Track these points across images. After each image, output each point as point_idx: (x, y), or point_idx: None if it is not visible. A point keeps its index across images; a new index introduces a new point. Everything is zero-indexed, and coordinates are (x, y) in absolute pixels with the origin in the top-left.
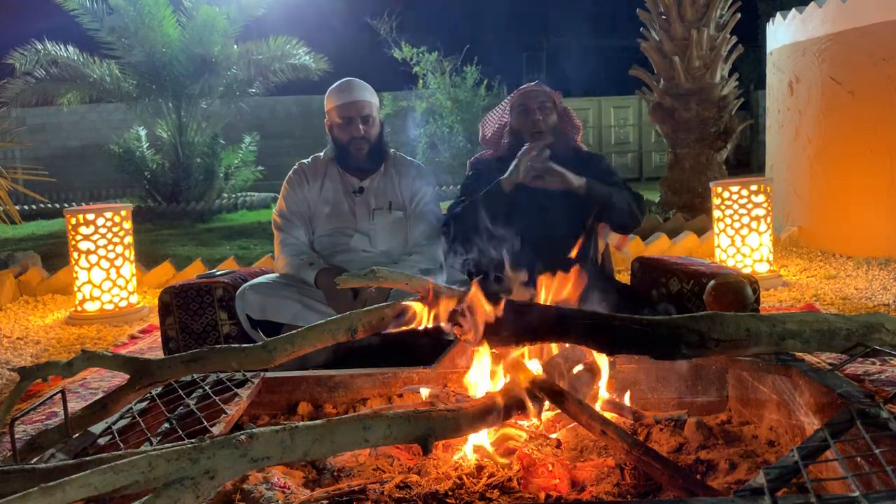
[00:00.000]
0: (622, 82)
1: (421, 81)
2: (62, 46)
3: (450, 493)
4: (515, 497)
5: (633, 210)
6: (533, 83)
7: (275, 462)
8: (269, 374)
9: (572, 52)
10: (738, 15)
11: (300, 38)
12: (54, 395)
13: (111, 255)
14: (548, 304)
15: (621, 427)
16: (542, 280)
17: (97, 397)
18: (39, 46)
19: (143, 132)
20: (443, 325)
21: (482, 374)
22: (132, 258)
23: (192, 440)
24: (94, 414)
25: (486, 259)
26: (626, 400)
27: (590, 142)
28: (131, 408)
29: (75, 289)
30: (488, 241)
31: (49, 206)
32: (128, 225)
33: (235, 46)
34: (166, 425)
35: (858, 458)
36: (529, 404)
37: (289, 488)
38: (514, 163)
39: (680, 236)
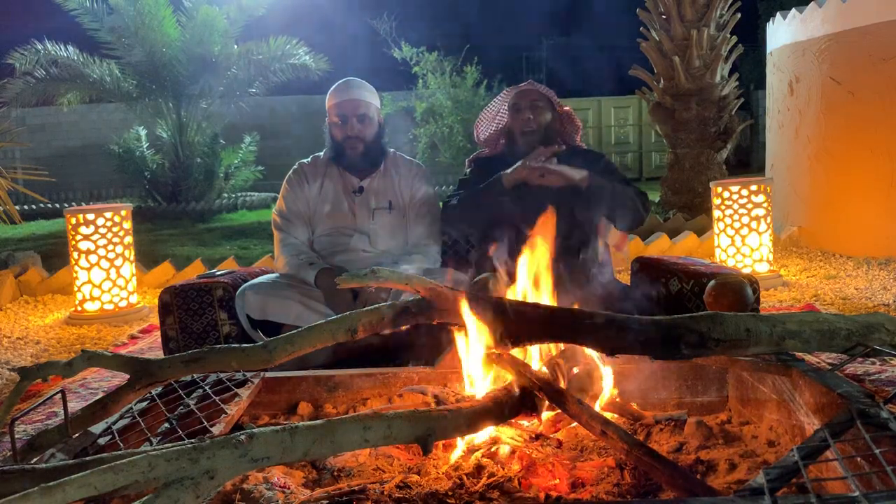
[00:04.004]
0: (622, 82)
1: (421, 81)
2: (62, 46)
3: (450, 493)
4: (515, 497)
5: (637, 206)
6: (525, 83)
7: (275, 462)
8: (269, 374)
9: (572, 51)
10: (738, 15)
11: (300, 38)
12: (54, 395)
13: (111, 255)
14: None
15: (621, 427)
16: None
17: (97, 397)
18: (39, 46)
19: (143, 132)
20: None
21: (482, 374)
22: (132, 258)
23: (192, 440)
24: (94, 414)
25: (482, 253)
26: (627, 400)
27: (590, 142)
28: (131, 408)
29: (75, 289)
30: (484, 234)
31: (49, 206)
32: (128, 225)
33: (235, 46)
34: (166, 425)
35: (858, 458)
36: (530, 404)
37: (289, 488)
38: (519, 162)
39: (680, 236)
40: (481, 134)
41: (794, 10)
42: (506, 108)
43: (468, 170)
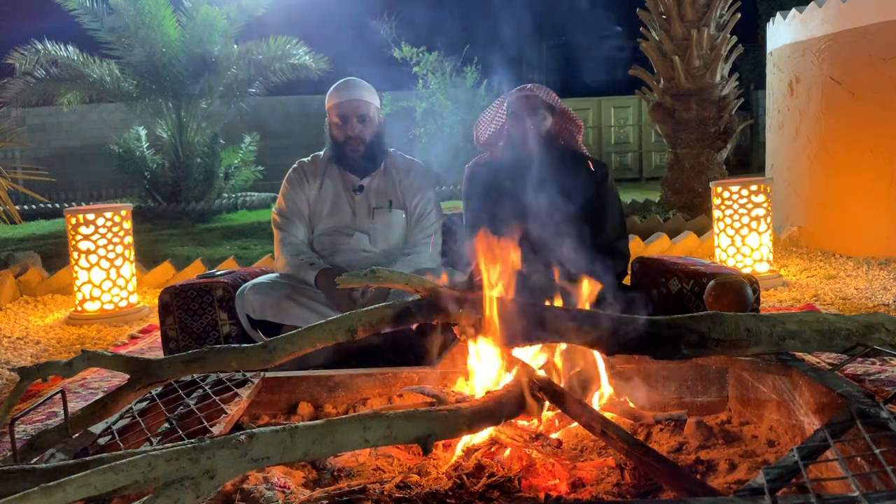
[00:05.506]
0: (622, 82)
1: (421, 81)
2: (62, 46)
3: (450, 493)
4: (515, 497)
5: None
6: (527, 87)
7: (275, 462)
8: (269, 374)
9: (572, 51)
10: (738, 15)
11: (300, 38)
12: (54, 395)
13: (111, 255)
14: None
15: (621, 427)
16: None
17: (97, 397)
18: (39, 46)
19: (143, 132)
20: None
21: (482, 374)
22: (132, 258)
23: (192, 440)
24: (94, 414)
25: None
26: (626, 400)
27: (589, 142)
28: (131, 408)
29: (75, 289)
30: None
31: (49, 206)
32: (128, 225)
33: (235, 46)
34: (166, 425)
35: (858, 458)
36: (530, 404)
37: (289, 488)
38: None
39: (680, 236)
40: (481, 136)
41: (794, 10)
42: (504, 110)
43: (468, 178)
